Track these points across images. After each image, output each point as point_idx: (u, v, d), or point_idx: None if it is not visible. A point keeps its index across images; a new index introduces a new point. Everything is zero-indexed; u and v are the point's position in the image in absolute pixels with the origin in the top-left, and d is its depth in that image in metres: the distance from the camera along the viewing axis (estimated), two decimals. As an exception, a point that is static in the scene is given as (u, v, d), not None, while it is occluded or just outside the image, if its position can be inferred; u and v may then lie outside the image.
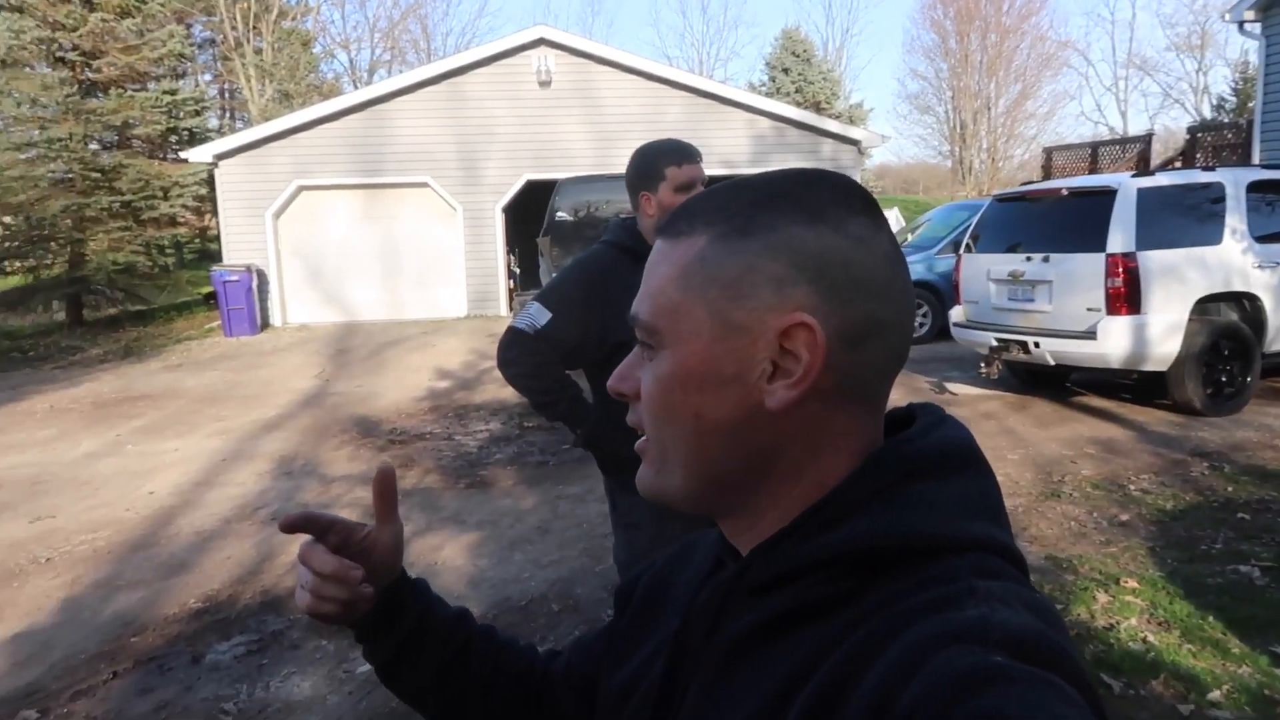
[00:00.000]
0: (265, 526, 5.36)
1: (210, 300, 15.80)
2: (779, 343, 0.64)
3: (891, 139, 51.14)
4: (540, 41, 14.87)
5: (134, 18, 16.14)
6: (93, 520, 5.60)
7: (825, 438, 0.66)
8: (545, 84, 14.92)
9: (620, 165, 10.33)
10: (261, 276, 14.60)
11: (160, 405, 9.39)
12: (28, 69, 16.00)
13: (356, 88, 27.12)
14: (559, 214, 11.11)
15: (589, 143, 14.81)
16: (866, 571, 0.62)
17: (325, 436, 7.69)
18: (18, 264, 16.24)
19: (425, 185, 15.01)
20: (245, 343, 13.53)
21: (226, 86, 32.77)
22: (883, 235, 0.67)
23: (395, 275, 15.35)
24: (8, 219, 15.93)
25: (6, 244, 16.02)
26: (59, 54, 15.70)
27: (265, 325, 14.70)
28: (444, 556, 4.81)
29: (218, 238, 15.89)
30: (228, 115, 32.81)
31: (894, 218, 22.24)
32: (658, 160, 2.41)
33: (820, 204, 0.65)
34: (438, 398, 9.23)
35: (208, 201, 17.44)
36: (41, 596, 4.45)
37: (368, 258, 15.29)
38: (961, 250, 8.58)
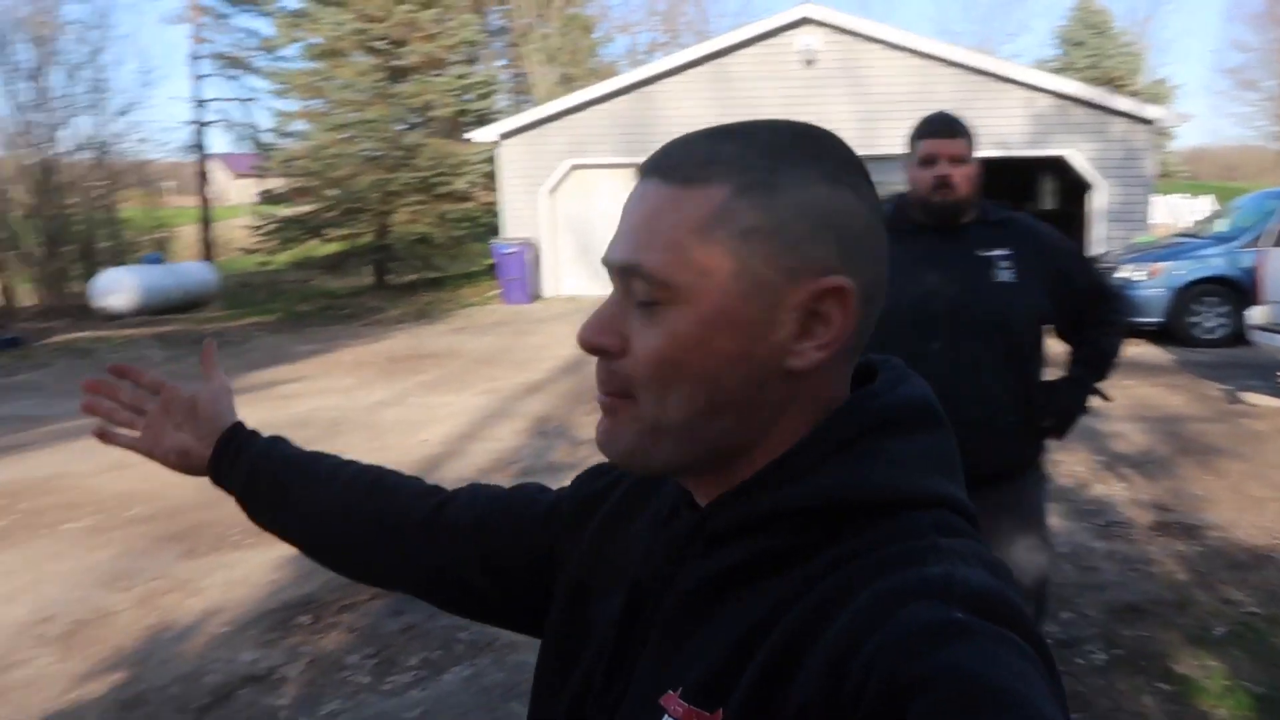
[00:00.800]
0: (517, 478, 5.85)
1: (492, 270, 17.15)
2: (810, 304, 0.63)
3: (1196, 118, 45.73)
4: (804, 20, 14.73)
5: (434, 8, 17.68)
6: (376, 460, 6.32)
7: (827, 396, 0.66)
8: (810, 63, 14.79)
9: (886, 146, 10.07)
10: (536, 250, 15.64)
11: (442, 364, 10.38)
12: (346, 58, 18.03)
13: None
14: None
15: (854, 123, 14.50)
16: (828, 525, 0.62)
17: (580, 402, 8.20)
18: (337, 232, 18.46)
19: (689, 165, 15.34)
20: (520, 311, 14.58)
21: (516, 71, 35.12)
22: (874, 196, 0.67)
23: (657, 251, 15.86)
24: (330, 192, 18.12)
25: (328, 214, 18.26)
26: (370, 43, 17.56)
27: (538, 295, 15.75)
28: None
29: (498, 213, 17.18)
30: (519, 98, 35.14)
31: (1206, 206, 20.00)
32: (912, 133, 2.43)
33: (836, 165, 0.65)
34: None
35: (491, 178, 18.89)
36: (330, 522, 5.14)
37: (632, 234, 15.89)
38: (1264, 243, 7.65)
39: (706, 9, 40.99)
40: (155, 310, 15.45)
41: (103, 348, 12.48)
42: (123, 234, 19.82)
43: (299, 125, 19.56)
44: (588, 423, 7.40)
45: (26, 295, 17.15)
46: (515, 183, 15.90)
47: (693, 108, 15.10)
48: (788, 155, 0.64)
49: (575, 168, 15.86)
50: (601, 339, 0.65)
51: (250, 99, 24.09)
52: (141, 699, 3.39)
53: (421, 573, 0.95)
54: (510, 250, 14.99)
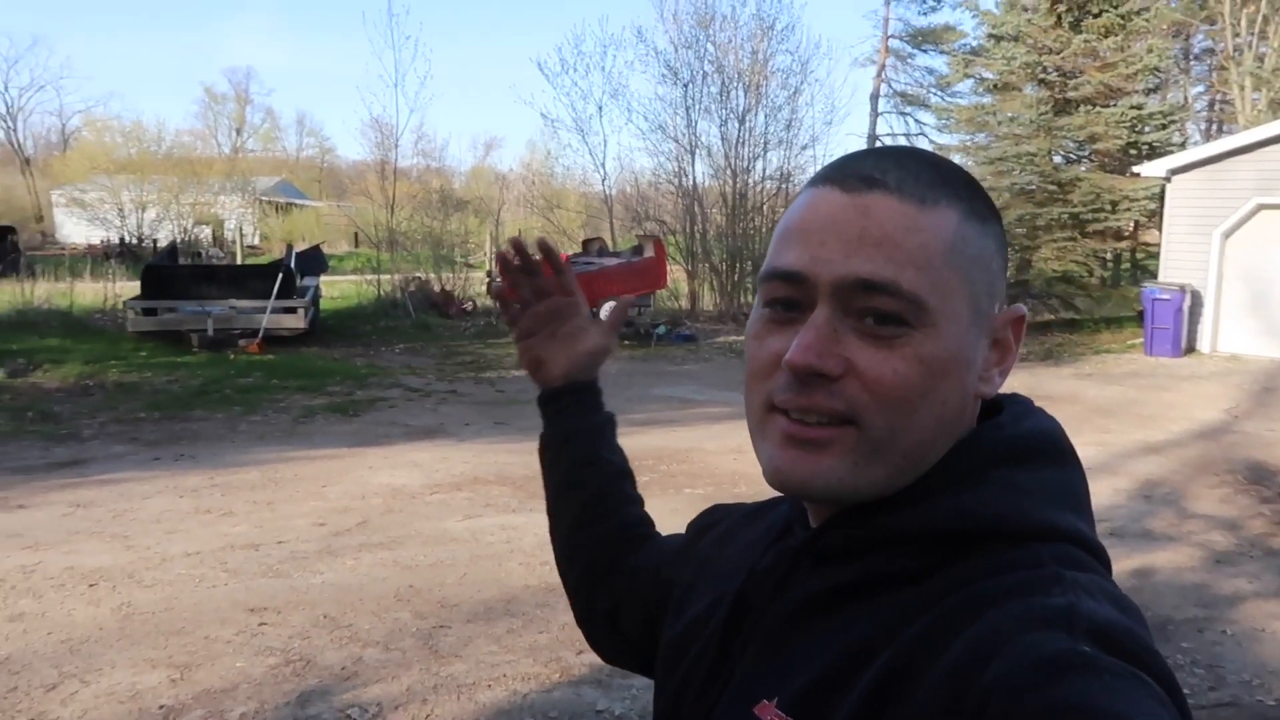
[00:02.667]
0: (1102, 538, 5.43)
1: (1139, 317, 15.63)
2: (998, 331, 0.66)
3: None
4: None
5: (1116, 36, 16.63)
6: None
7: (973, 420, 0.68)
8: None
9: None
10: (1196, 298, 13.86)
11: (1056, 407, 9.80)
12: (1016, 91, 17.90)
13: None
14: None
15: None
16: (946, 551, 0.61)
17: (1205, 472, 7.20)
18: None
19: None
20: (1162, 364, 13.12)
21: (1217, 97, 31.14)
22: None
23: (1364, 313, 12.94)
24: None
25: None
26: (1041, 75, 17.17)
27: (1190, 349, 13.96)
28: (1278, 628, 4.27)
29: (1157, 254, 15.57)
30: (1214, 127, 31.17)
31: None
32: None
33: (990, 201, 0.69)
34: (1366, 461, 7.71)
35: (1155, 216, 17.16)
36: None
37: (1331, 289, 13.19)
38: None
39: None
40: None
41: (753, 350, 14.37)
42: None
43: (957, 158, 20.04)
44: (1208, 496, 6.49)
45: (709, 301, 20.39)
46: (1182, 222, 14.26)
47: None
48: (978, 189, 0.67)
49: (1262, 208, 13.64)
50: (824, 362, 0.61)
51: (917, 134, 25.22)
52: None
53: (605, 609, 1.00)
54: (1164, 296, 13.51)
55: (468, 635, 4.04)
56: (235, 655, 3.78)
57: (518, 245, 1.04)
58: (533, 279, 1.04)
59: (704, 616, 0.77)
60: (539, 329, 1.04)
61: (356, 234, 25.02)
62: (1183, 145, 19.32)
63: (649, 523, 1.05)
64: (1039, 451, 0.66)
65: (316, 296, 14.67)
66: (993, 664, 0.52)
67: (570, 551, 1.04)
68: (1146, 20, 17.27)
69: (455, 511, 5.82)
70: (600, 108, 33.10)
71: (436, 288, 18.29)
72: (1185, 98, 29.12)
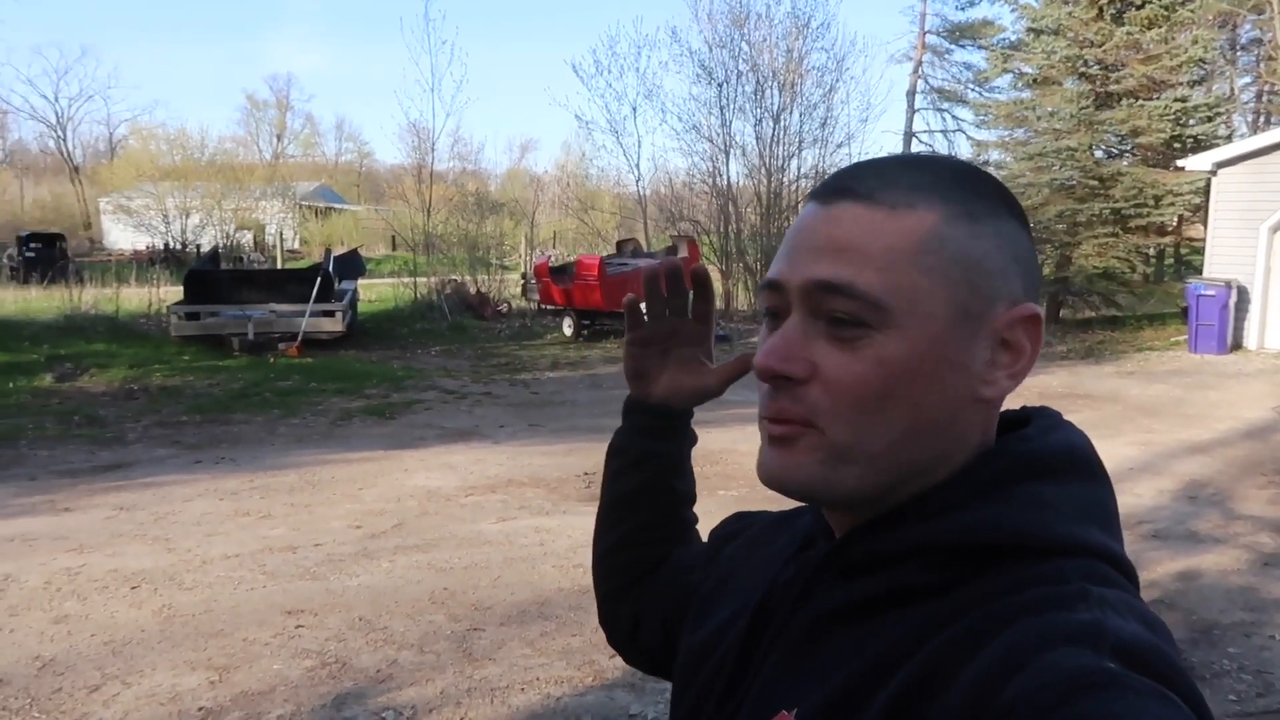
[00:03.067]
0: (1144, 540, 5.33)
1: (1183, 313, 15.33)
2: (1003, 333, 0.63)
3: None
4: None
5: (1159, 27, 16.31)
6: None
7: (992, 428, 0.66)
8: None
9: None
10: (1242, 294, 13.56)
11: (1097, 406, 9.73)
12: (1056, 85, 17.62)
13: None
14: None
15: None
16: (969, 565, 0.60)
17: (1253, 472, 7.04)
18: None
19: None
20: (1207, 361, 12.85)
21: (1265, 88, 30.46)
22: None
23: None
24: (1017, 221, 17.93)
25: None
26: (1082, 69, 16.88)
27: (1236, 346, 13.65)
28: (1328, 632, 4.16)
29: (1201, 249, 15.25)
30: (1263, 118, 30.48)
31: None
32: None
33: (1013, 203, 0.67)
34: None
35: (1199, 211, 16.81)
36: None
37: (1385, 284, 12.83)
38: None
39: None
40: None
41: (788, 350, 14.30)
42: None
43: (995, 154, 19.78)
44: (1256, 497, 6.34)
45: (743, 300, 20.33)
46: (1228, 217, 13.95)
47: None
48: (980, 190, 0.65)
49: (1313, 201, 13.31)
50: (789, 366, 0.62)
51: (954, 130, 24.96)
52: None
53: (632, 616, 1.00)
54: (1209, 292, 13.23)
55: (501, 638, 4.05)
56: (273, 657, 3.83)
57: (671, 271, 0.96)
58: (675, 300, 0.96)
59: (725, 626, 0.76)
60: (656, 341, 0.97)
61: (394, 237, 25.30)
62: (1229, 138, 18.90)
63: (696, 541, 1.02)
64: (1066, 466, 0.64)
65: (354, 300, 14.85)
66: (1015, 680, 0.51)
67: (612, 563, 1.02)
68: (1191, 11, 16.91)
69: (489, 514, 5.85)
70: (634, 109, 33.26)
71: (472, 290, 18.42)
72: (1232, 89, 28.50)
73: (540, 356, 13.61)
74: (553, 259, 17.52)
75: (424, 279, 18.23)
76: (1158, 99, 16.42)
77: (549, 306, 16.50)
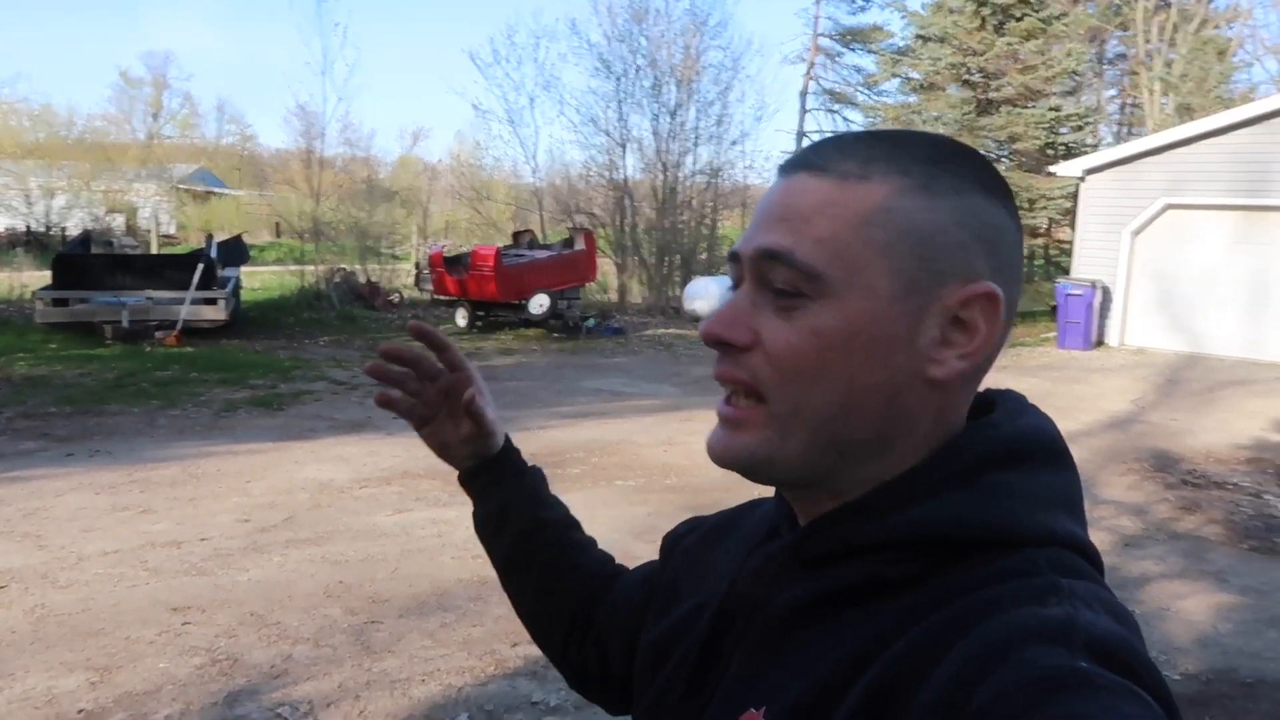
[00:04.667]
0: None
1: (1053, 311, 16.18)
2: (956, 311, 0.61)
3: None
4: None
5: (1037, 39, 17.14)
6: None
7: (951, 414, 0.63)
8: None
9: None
10: (1106, 294, 14.41)
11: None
12: (941, 91, 18.32)
13: None
14: None
15: None
16: (936, 557, 0.59)
17: (1114, 460, 7.51)
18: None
19: (1321, 211, 12.89)
20: (1074, 357, 13.60)
21: (1128, 101, 32.32)
22: (1020, 223, 0.65)
23: (1261, 309, 13.59)
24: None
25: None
26: (965, 76, 17.62)
27: (1100, 343, 14.50)
28: (1182, 606, 4.48)
29: (1070, 251, 16.12)
30: (1125, 130, 32.36)
31: None
32: None
33: (992, 179, 0.64)
34: (1263, 450, 8.13)
35: (1069, 215, 17.78)
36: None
37: (1231, 286, 13.83)
38: None
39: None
40: (731, 317, 17.35)
41: (680, 344, 14.46)
42: (718, 248, 22.55)
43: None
44: (1116, 484, 6.77)
45: (637, 294, 20.45)
46: (1095, 221, 14.79)
47: (1337, 143, 12.62)
48: (947, 164, 0.62)
49: (1169, 207, 14.23)
50: (731, 333, 0.63)
51: (844, 131, 25.65)
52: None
53: (590, 658, 0.96)
54: (1076, 292, 14.01)
55: (400, 630, 4.00)
56: (158, 656, 3.68)
57: (391, 354, 0.96)
58: (420, 367, 0.96)
59: (687, 620, 0.74)
60: (435, 413, 0.97)
61: (279, 224, 24.43)
62: (1096, 146, 20.01)
63: (611, 560, 1.01)
64: (1034, 453, 0.63)
65: (237, 287, 14.31)
66: (987, 682, 0.50)
67: (546, 621, 0.99)
68: (1065, 25, 17.85)
69: (385, 506, 5.75)
70: (532, 100, 32.93)
71: (362, 279, 17.97)
72: (1099, 101, 30.15)
73: (434, 348, 13.38)
74: (446, 249, 17.23)
75: (312, 267, 17.70)
76: (1034, 107, 17.28)
77: (443, 297, 16.24)
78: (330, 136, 21.87)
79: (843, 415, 0.61)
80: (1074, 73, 18.12)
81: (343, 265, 18.27)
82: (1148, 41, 26.38)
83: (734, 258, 0.65)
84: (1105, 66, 31.48)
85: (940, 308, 0.61)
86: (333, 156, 21.57)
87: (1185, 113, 26.50)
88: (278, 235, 27.67)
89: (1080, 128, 17.88)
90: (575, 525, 1.03)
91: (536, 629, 1.01)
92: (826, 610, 0.62)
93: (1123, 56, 30.36)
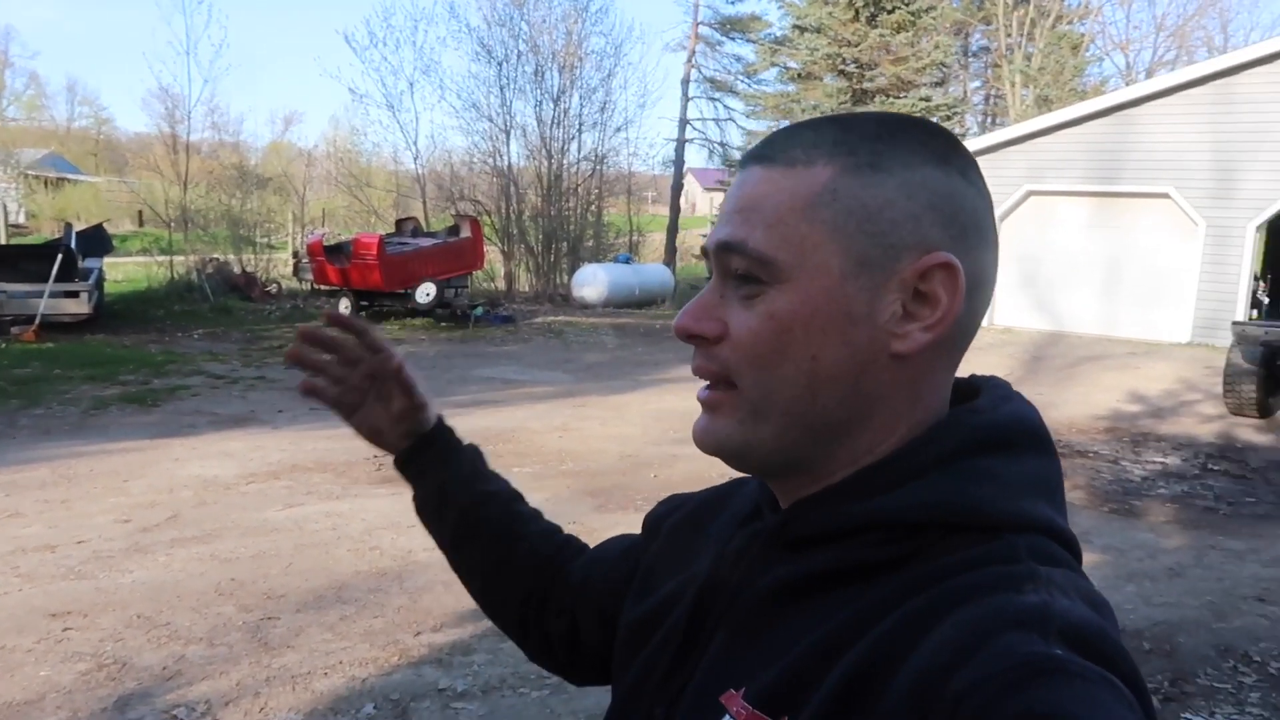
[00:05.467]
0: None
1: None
2: (915, 283, 0.61)
3: None
4: (1346, 33, 12.46)
5: (908, 31, 17.79)
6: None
7: (926, 390, 0.64)
8: (1344, 83, 12.50)
9: None
10: (976, 276, 15.12)
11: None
12: (818, 80, 18.82)
13: (1120, 91, 25.77)
14: (1320, 237, 9.40)
15: (1396, 154, 12.04)
16: (918, 540, 0.59)
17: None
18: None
19: (1166, 197, 13.85)
20: (948, 337, 14.23)
21: (991, 92, 33.88)
22: (985, 187, 0.65)
23: (1115, 289, 14.53)
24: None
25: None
26: (841, 66, 18.15)
27: (971, 323, 15.21)
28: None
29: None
30: (989, 120, 33.89)
31: None
32: None
33: (944, 148, 0.63)
34: (1119, 420, 8.71)
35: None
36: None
37: (1089, 268, 14.73)
38: None
39: (1228, 25, 35.99)
40: (618, 304, 17.48)
41: (571, 331, 14.48)
42: (605, 235, 22.63)
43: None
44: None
45: (525, 282, 20.32)
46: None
47: (1178, 133, 13.57)
48: (895, 139, 0.63)
49: (1032, 194, 15.04)
50: (701, 325, 0.64)
51: (726, 119, 26.08)
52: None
53: (556, 632, 0.95)
54: (949, 275, 14.66)
55: (298, 625, 3.91)
56: (38, 664, 3.50)
57: (310, 336, 0.95)
58: (342, 351, 0.95)
59: (669, 600, 0.74)
60: (363, 399, 0.97)
61: (142, 212, 23.22)
62: (964, 136, 20.93)
63: (559, 529, 1.01)
64: (1018, 439, 0.63)
65: (100, 279, 13.55)
66: (963, 669, 0.50)
67: (501, 596, 0.98)
68: (933, 18, 18.57)
69: (275, 501, 5.58)
70: (412, 84, 32.23)
71: (237, 269, 17.30)
72: (965, 92, 31.52)
73: (317, 339, 13.00)
74: (326, 237, 16.73)
75: (181, 257, 16.92)
76: (906, 97, 17.93)
77: (324, 287, 15.78)
78: (196, 120, 20.92)
79: (810, 395, 0.62)
80: (942, 64, 18.92)
81: (215, 255, 17.54)
82: (1008, 36, 27.72)
83: (703, 253, 0.67)
84: (970, 59, 32.94)
85: (898, 282, 0.61)
86: (198, 141, 20.64)
87: (1044, 104, 27.98)
88: (141, 224, 26.29)
89: (949, 118, 18.68)
90: (518, 497, 1.02)
91: (491, 605, 1.00)
92: (808, 592, 0.62)
93: (986, 50, 31.80)
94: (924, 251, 0.61)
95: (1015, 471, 0.61)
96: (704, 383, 0.67)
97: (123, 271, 18.41)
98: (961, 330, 0.63)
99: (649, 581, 0.80)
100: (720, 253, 0.64)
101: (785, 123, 17.40)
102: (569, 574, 0.94)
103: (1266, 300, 14.15)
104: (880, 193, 0.61)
